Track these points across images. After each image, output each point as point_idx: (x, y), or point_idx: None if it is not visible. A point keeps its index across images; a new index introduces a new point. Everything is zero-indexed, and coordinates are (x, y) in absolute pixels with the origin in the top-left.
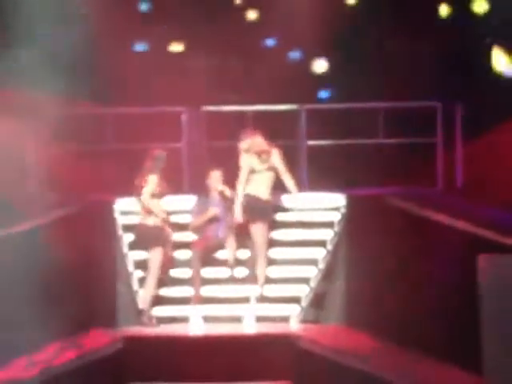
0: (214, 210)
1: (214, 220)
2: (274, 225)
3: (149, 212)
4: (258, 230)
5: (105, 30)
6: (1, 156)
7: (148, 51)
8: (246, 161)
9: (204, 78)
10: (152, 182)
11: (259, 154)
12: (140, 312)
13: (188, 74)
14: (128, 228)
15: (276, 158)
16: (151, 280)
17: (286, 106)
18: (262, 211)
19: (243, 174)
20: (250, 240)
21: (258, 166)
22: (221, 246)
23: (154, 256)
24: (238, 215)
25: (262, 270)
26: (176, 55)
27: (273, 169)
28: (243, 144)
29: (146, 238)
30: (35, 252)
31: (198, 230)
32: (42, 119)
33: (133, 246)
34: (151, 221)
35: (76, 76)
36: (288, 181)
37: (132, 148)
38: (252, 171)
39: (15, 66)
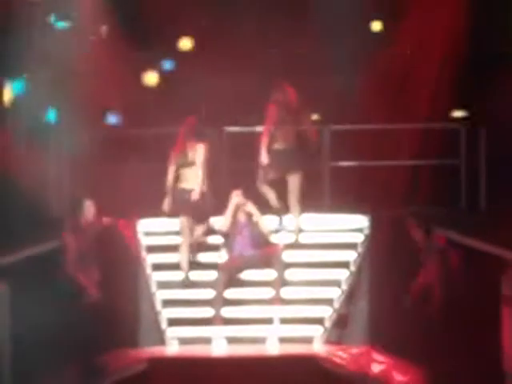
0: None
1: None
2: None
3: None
4: (289, 180)
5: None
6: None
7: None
8: (275, 110)
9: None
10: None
11: (290, 106)
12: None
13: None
14: (151, 249)
15: (306, 115)
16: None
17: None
18: (288, 162)
19: (270, 124)
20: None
21: (287, 116)
22: (246, 266)
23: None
24: (265, 159)
25: (296, 215)
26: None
27: (300, 123)
28: (276, 94)
29: None
30: (57, 272)
31: (229, 229)
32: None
33: None
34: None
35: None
36: (311, 141)
37: (154, 168)
38: (279, 122)
39: None
